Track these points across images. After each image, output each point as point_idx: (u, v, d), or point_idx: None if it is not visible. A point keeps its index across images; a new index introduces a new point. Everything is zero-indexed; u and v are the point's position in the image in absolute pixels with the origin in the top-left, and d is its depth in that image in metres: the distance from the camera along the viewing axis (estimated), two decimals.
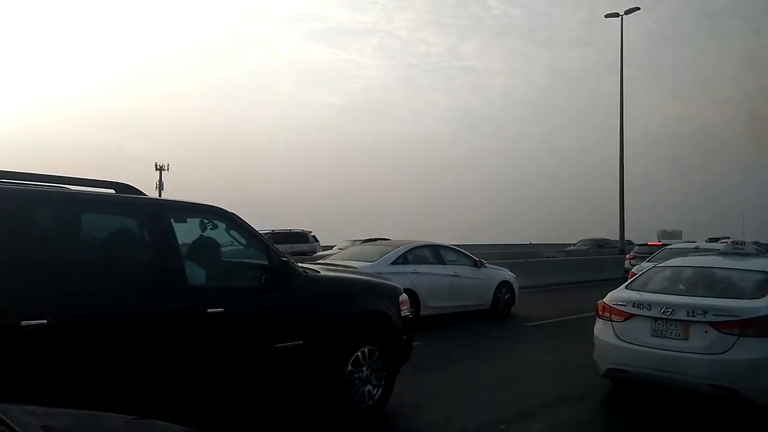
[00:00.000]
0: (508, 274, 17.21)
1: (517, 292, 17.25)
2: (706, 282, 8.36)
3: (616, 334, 8.23)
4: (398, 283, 13.48)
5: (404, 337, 8.06)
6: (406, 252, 15.14)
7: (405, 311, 8.11)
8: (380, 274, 13.62)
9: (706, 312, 7.58)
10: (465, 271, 16.10)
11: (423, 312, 14.77)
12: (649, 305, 7.92)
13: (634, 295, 8.33)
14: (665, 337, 7.86)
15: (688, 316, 7.65)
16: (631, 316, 7.96)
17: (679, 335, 7.79)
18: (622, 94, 39.49)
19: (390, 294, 8.06)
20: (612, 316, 8.19)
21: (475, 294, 16.22)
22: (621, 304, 8.12)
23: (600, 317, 8.42)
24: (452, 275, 15.63)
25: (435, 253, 15.87)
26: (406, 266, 14.80)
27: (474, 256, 16.96)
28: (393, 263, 14.69)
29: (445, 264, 15.74)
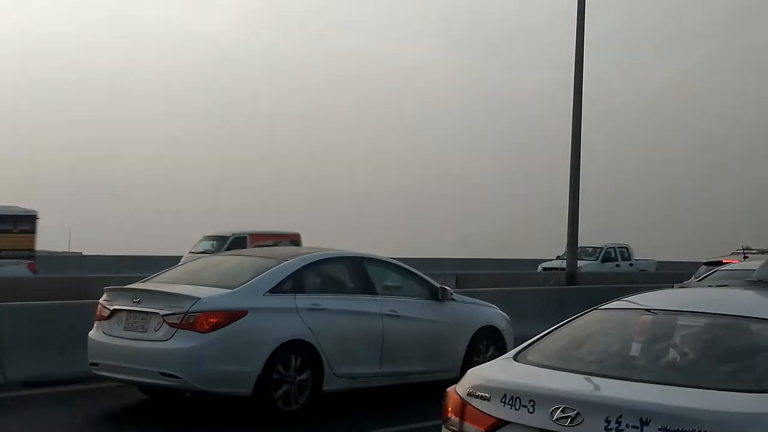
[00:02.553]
0: (494, 314, 10.89)
1: (510, 346, 10.52)
2: (690, 347, 4.59)
3: None
4: (283, 328, 8.77)
5: None
6: (299, 270, 9.03)
7: None
8: (246, 310, 8.37)
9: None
10: (413, 306, 9.83)
11: (329, 384, 8.80)
12: (535, 399, 4.16)
13: (519, 371, 4.53)
14: None
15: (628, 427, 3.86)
16: (501, 424, 4.27)
17: None
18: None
19: None
20: (465, 424, 4.42)
21: (432, 350, 10.00)
22: (483, 397, 4.32)
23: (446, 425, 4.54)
24: (388, 314, 9.44)
25: (356, 271, 9.65)
26: (299, 297, 8.83)
27: (433, 280, 10.37)
28: (273, 291, 8.68)
29: (375, 293, 9.55)
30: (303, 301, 8.63)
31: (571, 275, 23.57)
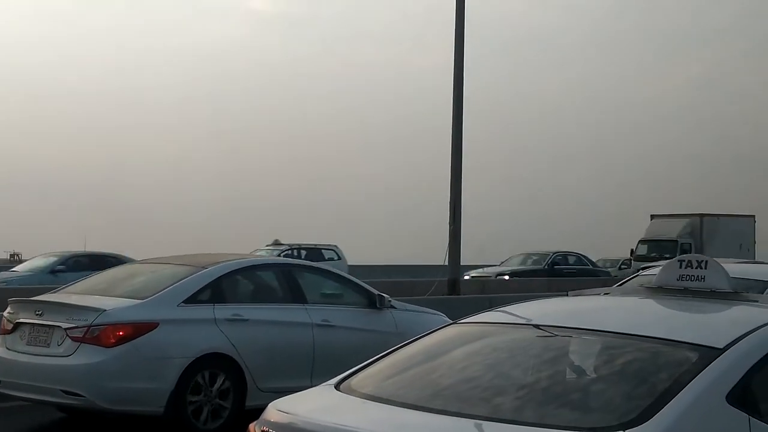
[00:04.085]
0: (438, 321, 9.79)
1: None
2: (553, 372, 3.72)
3: None
4: (199, 341, 8.04)
5: None
6: (219, 278, 8.32)
7: None
8: (157, 322, 7.71)
9: None
10: (348, 315, 9.02)
11: (253, 400, 7.88)
12: None
13: (327, 403, 3.66)
14: None
15: None
16: None
17: None
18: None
19: None
20: None
21: None
22: None
23: None
24: (320, 324, 8.65)
25: (285, 279, 8.87)
26: (218, 307, 8.11)
27: (370, 287, 9.54)
28: (188, 301, 7.99)
29: (305, 302, 8.76)
30: (223, 311, 7.96)
31: (454, 283, 19.47)
